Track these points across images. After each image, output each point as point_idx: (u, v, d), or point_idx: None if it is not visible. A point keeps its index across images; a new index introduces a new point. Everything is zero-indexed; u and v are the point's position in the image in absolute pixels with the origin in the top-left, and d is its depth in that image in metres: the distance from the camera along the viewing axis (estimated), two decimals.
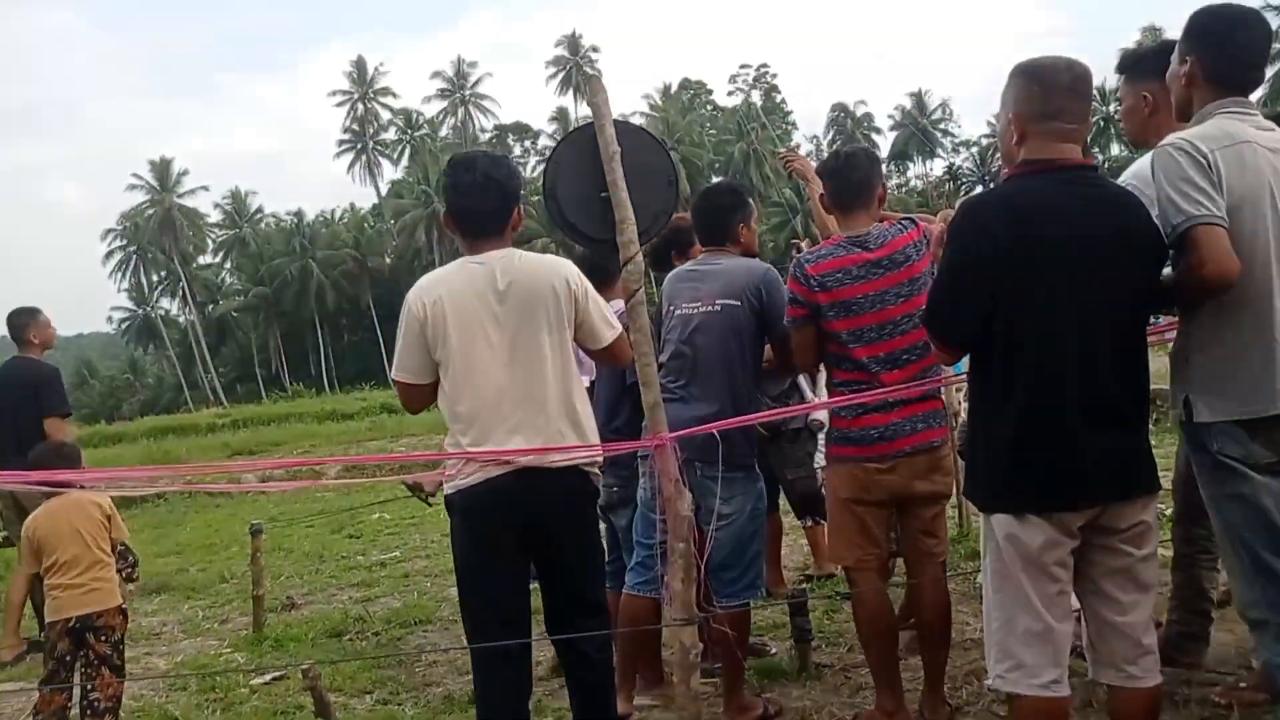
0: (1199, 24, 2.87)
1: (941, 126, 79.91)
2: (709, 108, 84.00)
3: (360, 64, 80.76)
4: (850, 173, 3.65)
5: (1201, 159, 2.63)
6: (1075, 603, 2.75)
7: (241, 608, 7.10)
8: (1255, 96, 2.99)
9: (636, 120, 77.04)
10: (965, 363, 2.85)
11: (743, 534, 3.84)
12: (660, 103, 78.04)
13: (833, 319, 3.56)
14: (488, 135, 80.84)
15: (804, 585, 5.72)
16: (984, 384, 2.71)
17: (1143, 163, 3.11)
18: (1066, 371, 2.54)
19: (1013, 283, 2.55)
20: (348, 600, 7.20)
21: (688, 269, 4.15)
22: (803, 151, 6.43)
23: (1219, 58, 2.82)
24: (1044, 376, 2.55)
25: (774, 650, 4.80)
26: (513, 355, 3.12)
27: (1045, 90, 2.63)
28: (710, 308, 3.89)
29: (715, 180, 69.18)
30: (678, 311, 3.96)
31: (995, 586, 2.68)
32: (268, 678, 5.21)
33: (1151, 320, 3.02)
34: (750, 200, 4.31)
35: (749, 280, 3.89)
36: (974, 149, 76.23)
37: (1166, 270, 2.72)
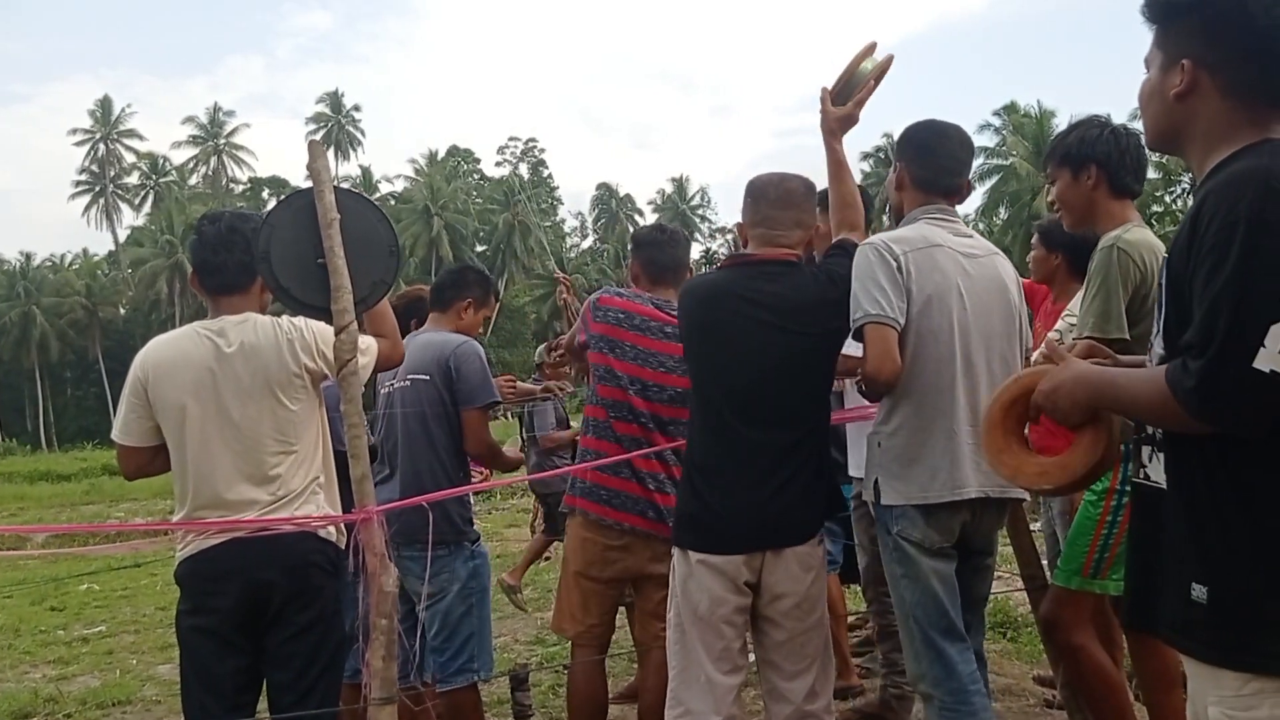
0: (907, 135, 3.14)
1: (700, 212, 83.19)
2: (476, 176, 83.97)
3: (105, 103, 76.09)
4: (673, 248, 3.76)
5: (893, 260, 2.84)
6: None
7: None
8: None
9: (400, 184, 76.41)
10: None
11: (450, 614, 3.73)
12: (426, 168, 77.48)
13: (598, 351, 3.53)
14: (241, 187, 77.67)
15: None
16: (689, 438, 3.14)
17: None
18: (737, 424, 2.93)
19: (701, 344, 3.04)
20: (40, 679, 6.63)
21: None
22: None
23: (923, 166, 3.06)
24: (719, 427, 2.96)
25: None
26: (225, 424, 2.90)
27: (756, 202, 3.12)
28: (402, 383, 3.82)
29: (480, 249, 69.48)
30: (382, 390, 3.91)
31: (674, 638, 2.98)
32: None
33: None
34: (484, 288, 4.19)
35: (440, 353, 3.81)
36: (729, 235, 79.35)
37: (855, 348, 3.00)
